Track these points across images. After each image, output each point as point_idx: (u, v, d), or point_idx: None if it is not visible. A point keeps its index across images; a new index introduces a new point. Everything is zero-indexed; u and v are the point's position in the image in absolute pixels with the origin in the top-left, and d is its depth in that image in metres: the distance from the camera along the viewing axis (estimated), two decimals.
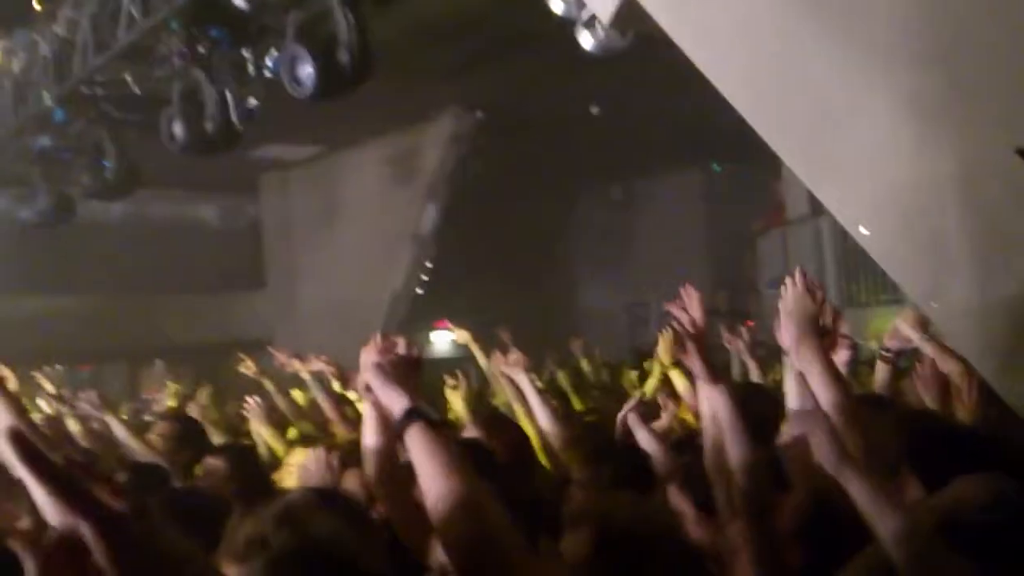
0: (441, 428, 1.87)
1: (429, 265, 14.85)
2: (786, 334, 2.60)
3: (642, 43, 6.15)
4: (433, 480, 1.76)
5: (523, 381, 4.15)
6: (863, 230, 2.97)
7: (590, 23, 5.19)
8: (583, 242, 18.66)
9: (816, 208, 12.91)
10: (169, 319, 15.15)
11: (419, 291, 14.97)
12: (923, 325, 3.69)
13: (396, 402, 1.92)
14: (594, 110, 12.89)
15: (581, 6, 5.00)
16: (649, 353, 6.73)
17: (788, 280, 2.62)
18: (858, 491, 1.87)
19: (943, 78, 2.83)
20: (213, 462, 4.38)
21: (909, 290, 3.21)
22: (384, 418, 3.01)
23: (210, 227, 16.72)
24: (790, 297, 2.60)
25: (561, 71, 10.98)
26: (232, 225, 16.93)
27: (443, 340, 17.50)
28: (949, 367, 3.67)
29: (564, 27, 7.33)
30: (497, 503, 1.74)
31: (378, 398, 2.02)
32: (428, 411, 1.89)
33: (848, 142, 3.06)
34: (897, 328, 3.77)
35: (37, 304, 13.64)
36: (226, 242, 16.73)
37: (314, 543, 1.79)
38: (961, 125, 2.82)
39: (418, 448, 1.81)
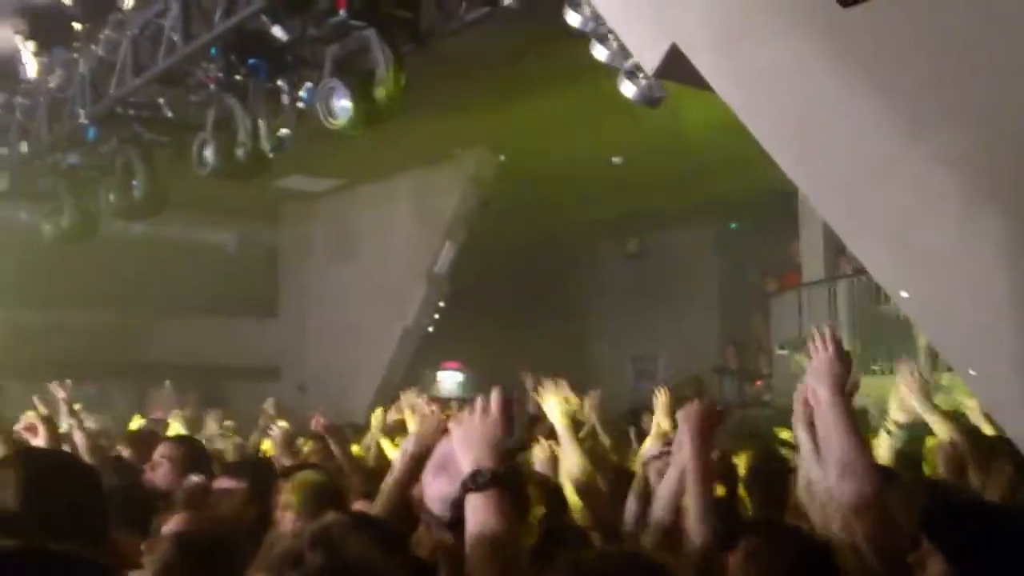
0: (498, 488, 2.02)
1: (442, 304, 14.88)
2: (815, 393, 2.62)
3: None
4: (477, 525, 1.97)
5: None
6: (903, 294, 2.99)
7: (632, 72, 5.27)
8: (596, 292, 18.69)
9: (832, 272, 12.96)
10: (180, 341, 15.18)
11: (430, 329, 14.99)
12: (925, 392, 3.69)
13: (468, 462, 2.08)
14: (616, 160, 12.98)
15: (625, 54, 5.08)
16: (649, 409, 6.70)
17: (819, 341, 2.65)
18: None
19: (982, 134, 2.87)
20: (225, 482, 4.38)
21: (946, 355, 3.21)
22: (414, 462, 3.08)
23: (227, 252, 16.80)
24: (823, 358, 2.63)
25: (587, 119, 11.10)
26: (249, 252, 17.01)
27: (450, 380, 17.51)
28: (951, 437, 3.68)
29: (594, 74, 7.43)
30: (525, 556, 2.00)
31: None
32: (492, 473, 2.04)
33: (887, 200, 3.09)
34: (903, 399, 3.76)
35: (52, 317, 13.69)
36: (242, 268, 16.80)
37: (344, 564, 1.82)
38: (1002, 183, 2.85)
39: (472, 505, 2.01)
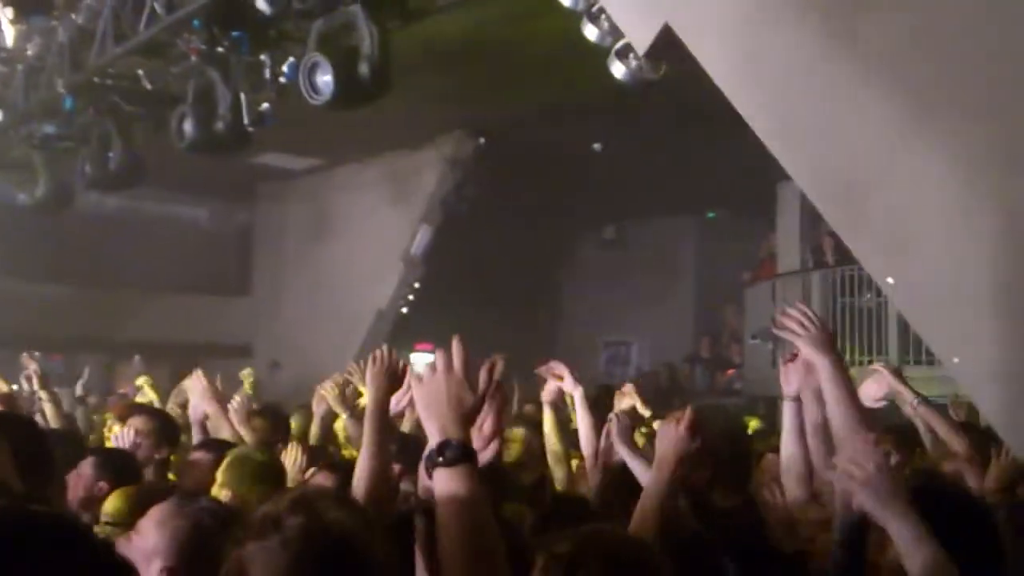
0: (469, 463, 1.82)
1: (416, 286, 14.85)
2: (809, 352, 2.68)
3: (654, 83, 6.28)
4: (449, 506, 1.78)
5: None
6: (890, 280, 3.02)
7: (623, 52, 5.25)
8: (571, 277, 18.73)
9: (807, 263, 13.07)
10: (150, 316, 15.05)
11: (404, 310, 14.96)
12: (896, 384, 3.72)
13: (434, 431, 1.85)
14: (596, 147, 12.99)
15: (616, 34, 5.06)
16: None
17: (803, 316, 2.71)
18: (899, 529, 1.91)
19: (984, 131, 2.89)
20: (199, 456, 4.40)
21: (931, 343, 3.26)
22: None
23: (201, 229, 16.64)
24: (818, 329, 2.68)
25: (568, 105, 11.10)
26: (223, 229, 16.87)
27: (422, 361, 17.47)
28: (948, 438, 3.71)
29: (577, 60, 7.41)
30: (499, 534, 1.78)
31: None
32: (461, 446, 1.82)
33: (883, 194, 3.11)
34: (865, 390, 3.77)
35: (20, 289, 13.52)
36: (215, 245, 16.67)
37: (324, 526, 1.80)
38: (1002, 179, 2.88)
39: (441, 482, 1.80)
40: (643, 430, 5.43)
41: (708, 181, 13.95)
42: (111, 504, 3.18)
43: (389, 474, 3.20)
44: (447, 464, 1.79)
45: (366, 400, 3.22)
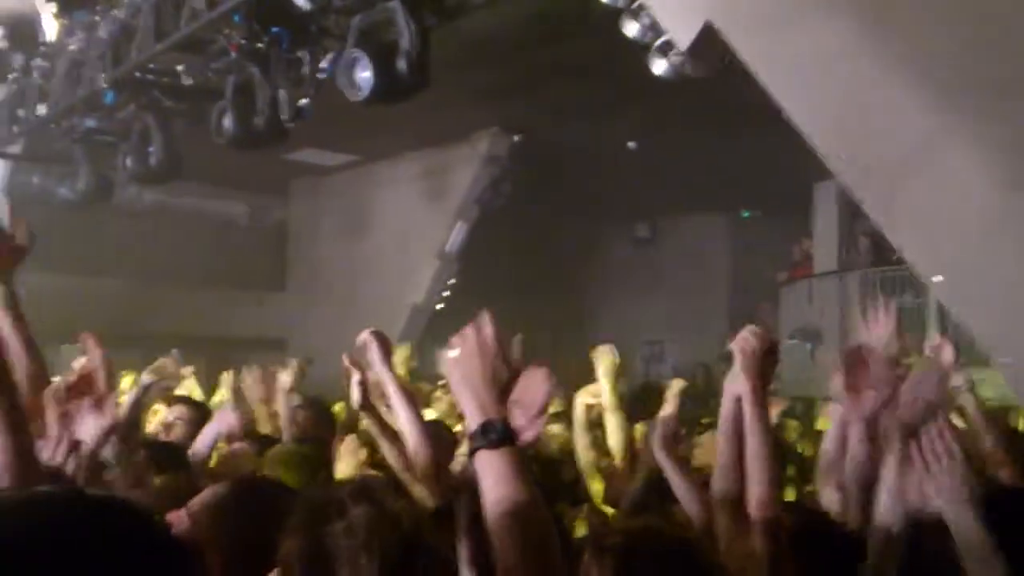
0: (512, 444, 1.74)
1: (451, 282, 14.89)
2: (739, 371, 2.64)
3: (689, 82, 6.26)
4: (496, 491, 1.71)
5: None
6: (937, 278, 2.98)
7: (663, 49, 5.22)
8: (605, 275, 18.68)
9: (843, 264, 12.96)
10: (187, 310, 15.18)
11: (439, 307, 15.00)
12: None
13: (473, 412, 1.76)
14: (631, 145, 12.96)
15: (656, 31, 5.03)
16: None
17: (752, 330, 2.67)
18: (964, 525, 1.88)
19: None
20: (240, 448, 4.44)
21: (980, 341, 3.20)
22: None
23: (237, 224, 16.77)
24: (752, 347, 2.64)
25: (603, 103, 11.08)
26: (259, 225, 16.99)
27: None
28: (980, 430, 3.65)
29: (613, 57, 7.38)
30: (548, 514, 1.72)
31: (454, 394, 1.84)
32: (503, 427, 1.74)
33: (927, 189, 3.07)
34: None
35: (59, 283, 13.68)
36: (251, 241, 16.80)
37: (385, 513, 1.81)
38: None
39: (484, 465, 1.73)
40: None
41: (743, 180, 13.87)
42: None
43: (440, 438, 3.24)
44: (490, 446, 1.71)
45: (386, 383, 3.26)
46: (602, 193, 15.12)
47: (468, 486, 1.86)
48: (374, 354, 3.30)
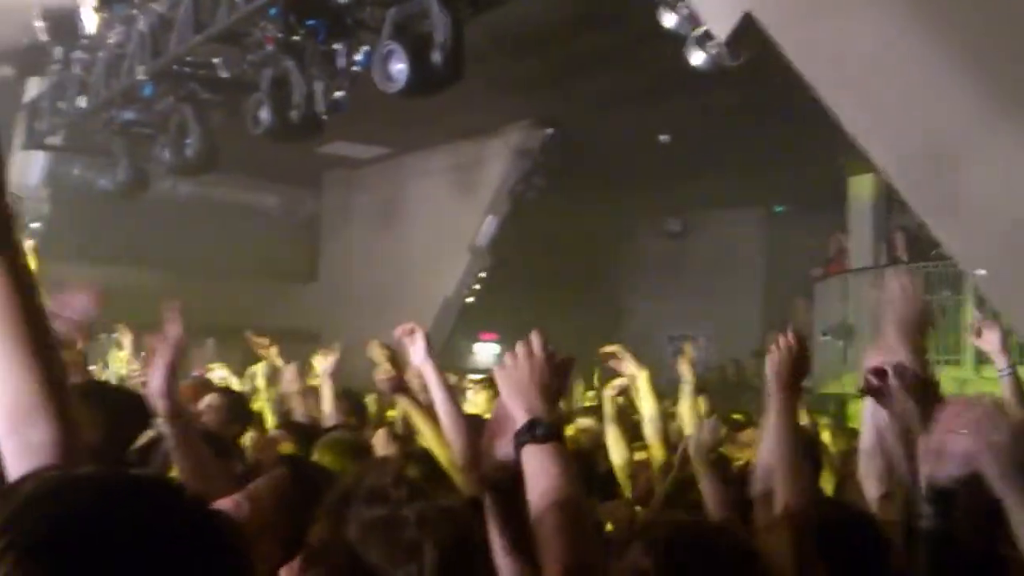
0: (559, 440, 1.83)
1: (482, 275, 14.92)
2: (770, 378, 2.63)
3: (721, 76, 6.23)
4: (541, 484, 1.78)
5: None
6: (981, 272, 2.95)
7: (701, 40, 5.20)
8: (637, 268, 18.63)
9: (879, 260, 12.84)
10: (221, 301, 15.30)
11: (469, 300, 15.04)
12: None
13: (521, 411, 1.86)
14: (663, 138, 12.90)
15: (693, 22, 5.01)
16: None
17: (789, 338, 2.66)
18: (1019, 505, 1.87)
19: None
20: (277, 435, 4.49)
21: (1021, 334, 3.18)
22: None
23: (270, 216, 16.90)
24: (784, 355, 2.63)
25: (635, 96, 11.05)
26: (292, 216, 17.12)
27: (487, 351, 17.58)
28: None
29: (645, 50, 7.35)
30: (589, 508, 1.82)
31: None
32: (551, 424, 1.84)
33: (969, 180, 3.04)
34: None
35: (96, 273, 13.85)
36: (284, 232, 16.92)
37: (445, 507, 1.85)
38: None
39: (531, 459, 1.81)
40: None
41: (776, 174, 13.77)
42: None
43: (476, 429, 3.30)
44: (538, 441, 1.80)
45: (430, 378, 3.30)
46: (634, 187, 15.07)
47: (510, 478, 1.89)
48: (419, 348, 3.34)
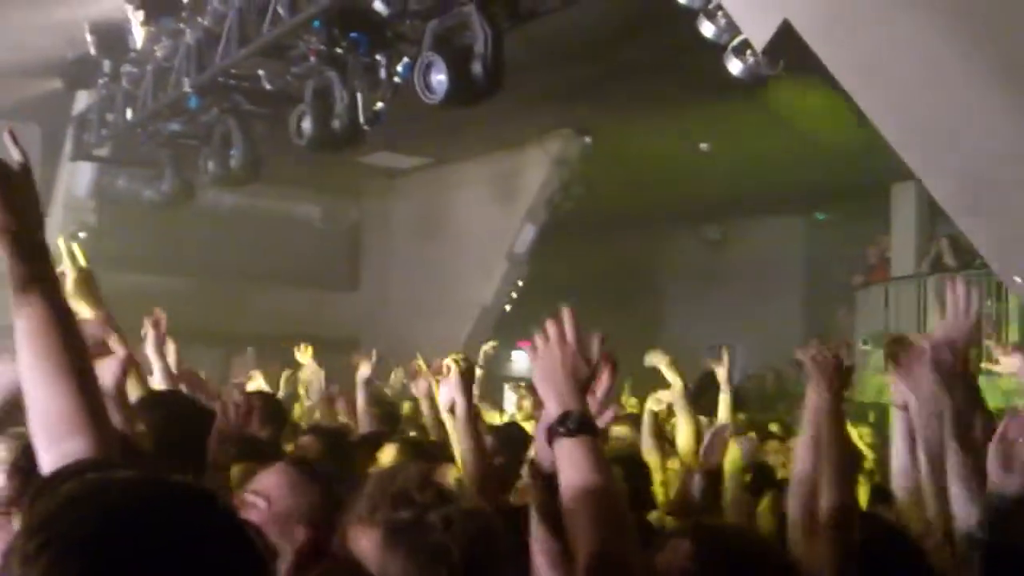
0: (590, 434, 1.82)
1: (520, 284, 14.94)
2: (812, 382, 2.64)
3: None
4: (574, 477, 1.78)
5: None
6: (1018, 279, 2.95)
7: (739, 49, 5.22)
8: (675, 277, 18.56)
9: (922, 267, 12.69)
10: (263, 310, 15.51)
11: (507, 308, 15.07)
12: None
13: (553, 403, 1.84)
14: (703, 147, 12.87)
15: (732, 30, 5.03)
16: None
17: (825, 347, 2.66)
18: None
19: None
20: (306, 440, 4.57)
21: None
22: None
23: (312, 225, 17.07)
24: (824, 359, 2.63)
25: (675, 105, 11.03)
26: (333, 226, 17.28)
27: (524, 360, 17.59)
28: None
29: (684, 59, 7.34)
30: (624, 502, 1.80)
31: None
32: (582, 416, 1.82)
33: (1007, 186, 3.04)
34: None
35: (142, 281, 14.08)
36: (325, 242, 17.09)
37: (450, 501, 1.88)
38: None
39: (563, 453, 1.80)
40: None
41: (817, 182, 13.68)
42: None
43: (492, 461, 3.39)
44: (569, 434, 1.78)
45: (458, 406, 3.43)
46: (673, 195, 15.03)
47: (540, 468, 1.91)
48: (456, 386, 3.46)
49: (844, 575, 2.39)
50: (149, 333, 4.51)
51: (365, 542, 1.81)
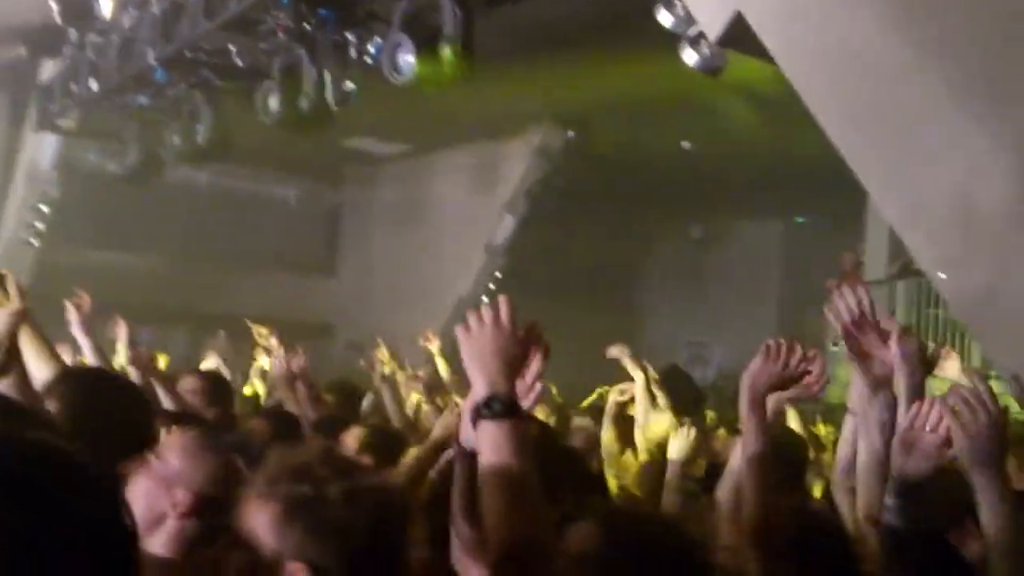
0: (514, 417, 1.81)
1: (499, 275, 14.82)
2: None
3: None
4: (493, 459, 1.79)
5: None
6: (941, 275, 2.83)
7: (696, 40, 5.09)
8: (655, 274, 18.50)
9: (893, 273, 12.61)
10: (236, 291, 15.31)
11: (485, 299, 14.94)
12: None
13: (480, 384, 1.84)
14: (686, 145, 12.77)
15: (690, 21, 4.90)
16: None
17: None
18: (989, 491, 1.89)
19: None
20: (255, 422, 4.46)
21: (982, 342, 3.04)
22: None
23: (289, 208, 16.89)
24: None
25: (658, 102, 10.90)
26: (311, 210, 17.10)
27: None
28: None
29: (668, 55, 7.21)
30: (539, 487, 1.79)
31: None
32: (507, 399, 1.82)
33: (940, 183, 2.92)
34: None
35: (111, 259, 13.87)
36: (303, 225, 16.91)
37: (363, 483, 1.81)
38: None
39: (485, 435, 1.81)
40: None
41: (798, 185, 13.60)
42: None
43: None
44: (494, 417, 1.79)
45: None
46: (655, 193, 14.93)
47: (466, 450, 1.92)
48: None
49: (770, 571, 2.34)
50: (72, 313, 4.38)
51: (262, 517, 1.73)
